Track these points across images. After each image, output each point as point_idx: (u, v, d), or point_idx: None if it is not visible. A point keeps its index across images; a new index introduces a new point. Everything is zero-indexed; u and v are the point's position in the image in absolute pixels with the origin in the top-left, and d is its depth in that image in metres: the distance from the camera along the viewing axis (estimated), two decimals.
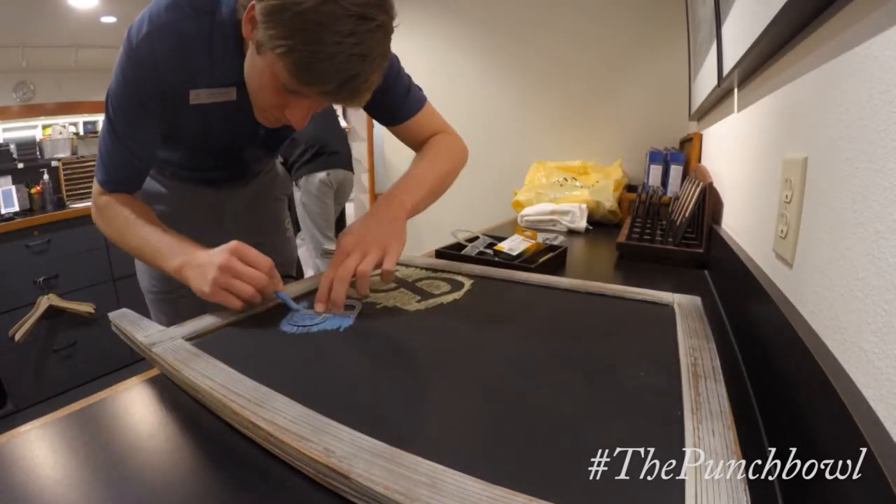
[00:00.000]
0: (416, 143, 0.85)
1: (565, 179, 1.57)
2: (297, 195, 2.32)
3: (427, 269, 0.79)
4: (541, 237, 1.13)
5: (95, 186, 0.72)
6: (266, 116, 0.66)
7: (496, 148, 2.08)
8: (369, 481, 0.30)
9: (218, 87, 0.67)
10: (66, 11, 2.76)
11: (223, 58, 0.64)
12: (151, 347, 0.50)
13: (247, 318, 0.59)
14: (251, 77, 0.61)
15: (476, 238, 1.07)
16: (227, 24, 0.62)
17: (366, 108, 0.76)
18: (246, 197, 0.97)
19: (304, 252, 2.48)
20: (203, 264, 0.58)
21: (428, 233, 2.41)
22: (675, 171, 1.46)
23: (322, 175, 2.23)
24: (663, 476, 0.31)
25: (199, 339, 0.53)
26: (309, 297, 0.66)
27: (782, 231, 0.50)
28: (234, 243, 0.59)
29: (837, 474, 0.31)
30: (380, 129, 4.48)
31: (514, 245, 0.96)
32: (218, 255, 0.58)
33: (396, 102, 0.80)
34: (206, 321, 0.57)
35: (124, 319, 0.57)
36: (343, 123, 3.02)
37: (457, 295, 0.67)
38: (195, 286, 0.58)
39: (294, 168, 2.29)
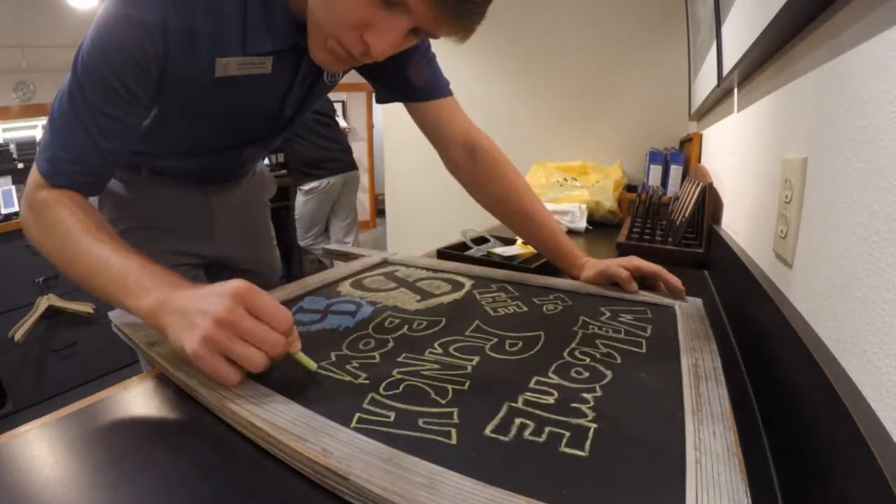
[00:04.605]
0: (442, 130, 0.75)
1: (565, 179, 1.57)
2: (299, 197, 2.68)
3: (428, 269, 0.79)
4: None
5: (34, 177, 0.52)
6: (327, 45, 0.50)
7: None
8: (367, 482, 0.30)
9: (251, 56, 0.55)
10: (66, 11, 2.77)
11: (262, 18, 0.53)
12: (150, 347, 0.50)
13: None
14: None
15: (481, 239, 1.07)
16: None
17: (396, 76, 0.68)
18: (238, 200, 0.85)
19: None
20: (189, 310, 0.40)
21: (428, 233, 2.41)
22: (675, 171, 1.46)
23: (314, 183, 2.55)
24: (664, 478, 0.31)
25: None
26: (303, 298, 0.66)
27: (782, 231, 0.50)
28: (239, 283, 0.41)
29: (837, 474, 0.31)
30: (380, 130, 4.48)
31: (507, 250, 0.98)
32: (215, 301, 0.40)
33: (435, 74, 0.71)
34: None
35: (123, 318, 0.57)
36: (343, 124, 3.09)
37: (457, 295, 0.67)
38: (175, 339, 0.41)
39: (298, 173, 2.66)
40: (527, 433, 0.36)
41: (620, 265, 0.68)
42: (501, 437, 0.36)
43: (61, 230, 0.49)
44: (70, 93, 0.50)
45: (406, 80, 0.69)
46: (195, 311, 0.40)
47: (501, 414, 0.39)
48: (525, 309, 0.62)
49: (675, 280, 0.66)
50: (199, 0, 0.50)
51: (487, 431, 0.36)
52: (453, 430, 0.37)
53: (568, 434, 0.36)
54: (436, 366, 0.47)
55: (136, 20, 0.48)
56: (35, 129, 3.58)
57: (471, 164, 0.77)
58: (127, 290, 0.45)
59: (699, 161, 1.39)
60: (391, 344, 0.52)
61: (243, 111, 0.64)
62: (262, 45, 0.55)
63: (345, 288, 0.70)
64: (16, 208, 2.22)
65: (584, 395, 0.41)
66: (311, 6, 0.49)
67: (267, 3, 0.52)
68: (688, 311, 0.60)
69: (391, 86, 0.71)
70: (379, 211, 5.53)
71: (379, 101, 0.75)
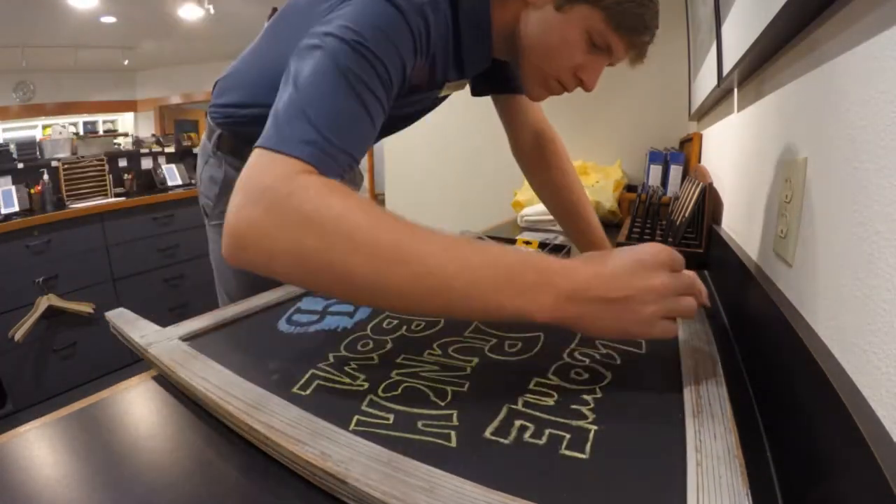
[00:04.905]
0: (520, 117, 0.86)
1: None
2: None
3: None
4: (542, 237, 1.13)
5: (286, 165, 0.40)
6: (547, 84, 0.62)
7: (496, 148, 2.07)
8: (366, 486, 0.30)
9: (459, 80, 0.64)
10: (66, 11, 2.77)
11: (472, 48, 0.59)
12: (147, 348, 0.49)
13: (244, 318, 0.59)
14: (542, 39, 0.57)
15: (480, 240, 1.07)
16: (475, 10, 0.56)
17: (498, 74, 0.73)
18: None
19: None
20: (618, 297, 0.39)
21: None
22: (675, 171, 1.46)
23: None
24: (665, 480, 0.31)
25: (195, 339, 0.53)
26: (301, 298, 0.66)
27: (782, 231, 0.50)
28: (655, 247, 0.41)
29: (837, 475, 0.31)
30: None
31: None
32: (644, 275, 0.39)
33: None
34: (202, 321, 0.57)
35: (121, 319, 0.57)
36: None
37: None
38: (618, 328, 0.40)
39: None
40: (527, 435, 0.36)
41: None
42: (501, 440, 0.36)
43: (383, 224, 0.39)
44: (335, 69, 0.43)
45: (505, 77, 0.79)
46: (629, 291, 0.39)
47: (501, 416, 0.38)
48: None
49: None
50: (441, 24, 0.53)
51: (487, 434, 0.36)
52: (453, 433, 0.36)
53: (568, 436, 0.36)
54: (435, 367, 0.47)
55: (411, 17, 0.48)
56: (35, 128, 3.58)
57: (535, 149, 0.88)
58: (510, 278, 0.39)
59: (699, 161, 1.39)
60: (390, 345, 0.52)
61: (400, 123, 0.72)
62: (475, 68, 0.62)
63: None
64: (16, 208, 2.22)
65: (584, 396, 0.41)
66: (531, 55, 0.59)
67: (477, 31, 0.58)
68: None
69: (491, 81, 0.79)
70: None
71: (474, 94, 0.83)
